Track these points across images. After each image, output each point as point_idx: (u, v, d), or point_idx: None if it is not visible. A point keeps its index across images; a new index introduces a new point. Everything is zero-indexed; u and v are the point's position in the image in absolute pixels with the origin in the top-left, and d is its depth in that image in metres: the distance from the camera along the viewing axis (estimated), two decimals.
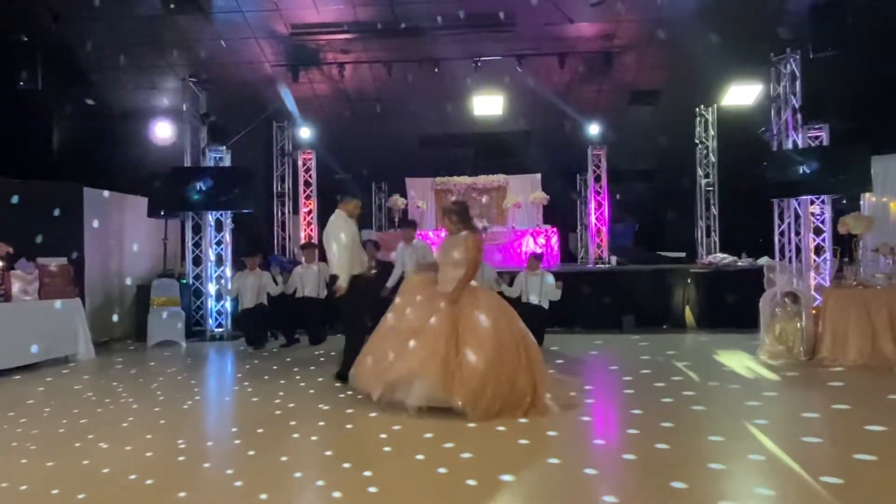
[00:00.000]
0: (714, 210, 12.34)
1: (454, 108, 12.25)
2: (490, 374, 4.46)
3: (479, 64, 10.93)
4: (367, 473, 3.47)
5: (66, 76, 10.44)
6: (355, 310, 5.84)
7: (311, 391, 5.63)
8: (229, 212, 9.58)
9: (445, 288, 4.90)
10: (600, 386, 5.89)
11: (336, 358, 6.61)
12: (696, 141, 12.47)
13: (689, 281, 9.68)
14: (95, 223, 9.17)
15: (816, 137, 8.06)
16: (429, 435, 4.11)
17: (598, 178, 12.58)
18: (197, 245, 9.67)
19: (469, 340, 4.56)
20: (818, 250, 7.84)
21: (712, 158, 12.33)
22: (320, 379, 6.11)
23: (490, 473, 3.44)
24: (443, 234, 11.53)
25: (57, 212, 8.57)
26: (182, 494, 3.24)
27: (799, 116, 7.94)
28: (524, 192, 13.87)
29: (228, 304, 9.46)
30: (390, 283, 7.28)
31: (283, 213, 12.80)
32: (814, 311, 6.85)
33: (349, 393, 5.31)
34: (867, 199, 8.94)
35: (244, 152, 10.37)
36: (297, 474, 3.54)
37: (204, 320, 9.55)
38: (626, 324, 9.30)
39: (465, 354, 4.51)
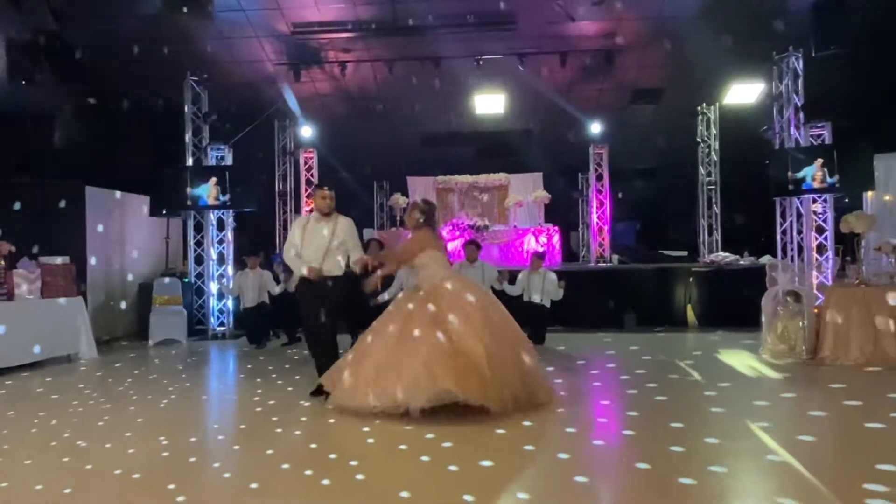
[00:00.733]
0: (716, 208, 12.32)
1: (456, 107, 12.24)
2: (493, 362, 4.40)
3: (481, 62, 10.92)
4: (354, 463, 3.59)
5: (67, 75, 10.44)
6: (316, 311, 5.24)
7: (304, 389, 5.57)
8: (231, 211, 9.59)
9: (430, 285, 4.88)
10: (601, 384, 5.89)
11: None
12: (698, 139, 12.45)
13: (690, 279, 9.67)
14: (97, 222, 9.19)
15: (818, 136, 8.05)
16: (409, 428, 4.24)
17: (599, 177, 12.57)
18: (199, 244, 9.69)
19: (464, 334, 4.48)
20: (820, 249, 7.84)
21: (714, 157, 12.32)
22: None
23: (471, 460, 3.58)
24: (444, 234, 11.55)
25: (63, 204, 8.60)
26: (171, 486, 3.26)
27: (801, 115, 7.94)
28: (525, 191, 13.84)
29: (230, 303, 9.48)
30: (388, 296, 6.97)
31: (284, 212, 12.81)
32: (816, 310, 6.84)
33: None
34: (869, 197, 8.93)
35: (246, 151, 10.39)
36: (285, 465, 3.61)
37: (206, 319, 9.57)
38: (627, 322, 9.31)
39: (465, 346, 4.41)
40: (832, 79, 8.74)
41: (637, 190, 14.33)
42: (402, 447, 3.87)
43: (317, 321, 5.14)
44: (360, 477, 3.39)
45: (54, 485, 3.33)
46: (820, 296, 7.19)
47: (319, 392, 5.06)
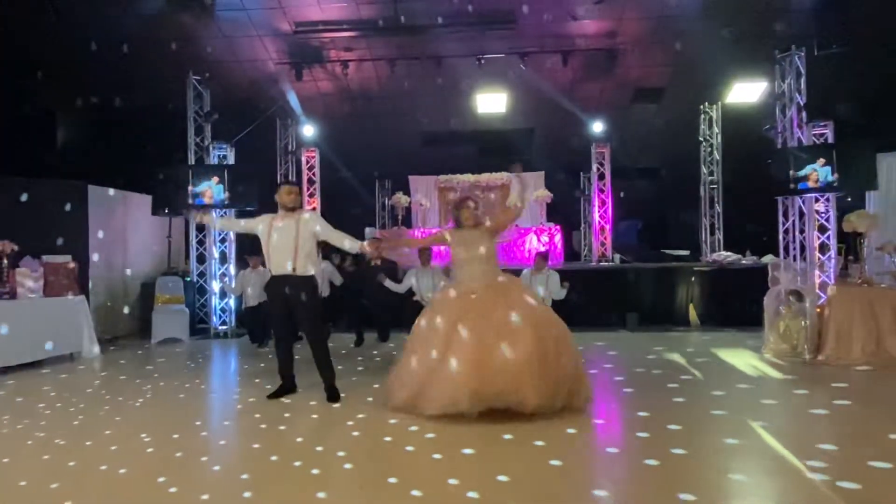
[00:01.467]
0: (718, 208, 12.31)
1: (457, 106, 12.25)
2: (546, 365, 4.33)
3: (483, 61, 10.92)
4: (341, 453, 3.75)
5: (69, 74, 10.46)
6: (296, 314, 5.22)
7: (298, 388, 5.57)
8: (233, 209, 9.60)
9: (477, 283, 4.71)
10: (601, 384, 5.89)
11: (335, 356, 6.56)
12: (701, 138, 12.43)
13: (693, 279, 9.67)
14: (100, 221, 9.20)
15: (821, 135, 8.03)
16: (393, 421, 4.43)
17: (601, 176, 12.56)
18: (201, 243, 9.71)
19: (526, 335, 4.39)
20: (823, 248, 7.81)
21: (716, 156, 12.30)
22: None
23: (454, 448, 3.78)
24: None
25: (67, 207, 8.61)
26: (161, 479, 3.33)
27: (804, 114, 7.92)
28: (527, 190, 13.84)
29: (232, 302, 9.49)
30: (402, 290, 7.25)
31: None
32: (818, 310, 6.83)
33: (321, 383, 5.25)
34: (872, 196, 8.91)
35: (248, 150, 10.39)
36: (274, 458, 3.67)
37: (208, 318, 9.58)
38: (629, 322, 9.30)
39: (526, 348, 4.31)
40: (835, 78, 8.73)
41: (639, 189, 14.32)
42: (387, 439, 4.05)
43: (282, 326, 5.27)
44: (347, 466, 3.57)
45: (53, 485, 3.34)
46: (822, 295, 7.18)
47: (278, 395, 5.25)
